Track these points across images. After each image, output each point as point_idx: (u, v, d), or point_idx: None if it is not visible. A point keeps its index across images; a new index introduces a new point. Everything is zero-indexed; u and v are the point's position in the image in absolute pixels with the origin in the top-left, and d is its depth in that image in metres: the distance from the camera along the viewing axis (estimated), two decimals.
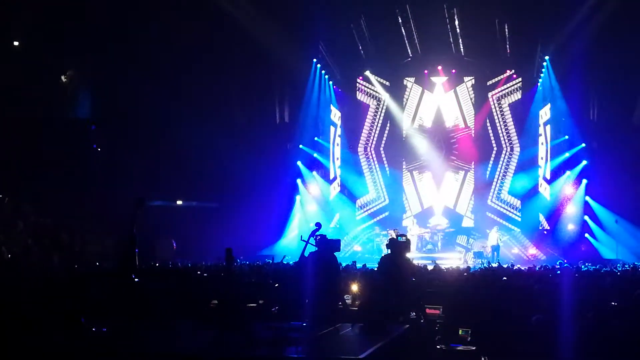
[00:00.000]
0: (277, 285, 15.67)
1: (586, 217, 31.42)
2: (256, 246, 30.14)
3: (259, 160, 31.43)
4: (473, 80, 33.75)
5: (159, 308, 12.97)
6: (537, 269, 21.21)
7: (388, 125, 34.37)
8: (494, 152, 33.52)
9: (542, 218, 32.47)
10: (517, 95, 33.30)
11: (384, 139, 34.36)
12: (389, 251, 14.22)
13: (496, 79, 33.39)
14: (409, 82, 34.19)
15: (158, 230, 27.90)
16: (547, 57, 31.42)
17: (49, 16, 28.89)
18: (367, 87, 34.41)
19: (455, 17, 30.12)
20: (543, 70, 31.96)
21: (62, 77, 31.92)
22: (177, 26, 29.85)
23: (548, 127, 32.64)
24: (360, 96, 34.59)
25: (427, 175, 34.06)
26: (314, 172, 33.96)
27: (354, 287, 14.57)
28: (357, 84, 34.51)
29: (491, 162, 33.52)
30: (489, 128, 33.60)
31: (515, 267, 21.71)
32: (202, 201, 31.55)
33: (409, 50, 32.50)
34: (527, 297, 13.15)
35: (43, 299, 13.34)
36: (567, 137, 32.01)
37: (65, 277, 16.89)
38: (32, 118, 31.42)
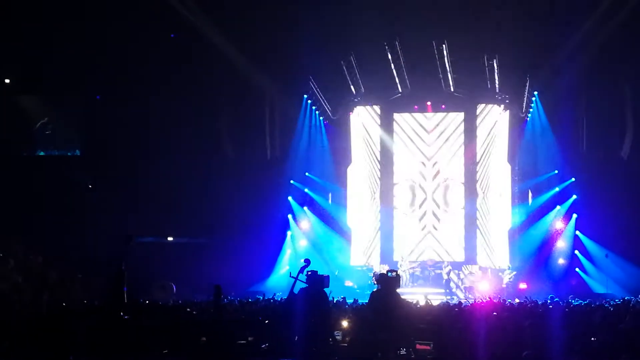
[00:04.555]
0: (267, 321, 15.61)
1: (576, 252, 31.43)
2: (247, 282, 29.95)
3: (250, 196, 31.36)
4: (463, 115, 33.82)
5: (148, 345, 12.90)
6: (527, 304, 21.18)
7: (378, 160, 34.37)
8: (484, 186, 33.53)
9: (531, 252, 32.38)
10: (507, 130, 33.33)
11: (374, 173, 34.35)
12: (379, 286, 14.19)
13: (485, 114, 33.46)
14: (398, 117, 34.25)
15: (148, 267, 27.68)
16: (536, 92, 31.58)
17: (29, 52, 29.09)
18: (357, 123, 34.43)
19: (445, 52, 30.23)
20: (532, 104, 32.09)
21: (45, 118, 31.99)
22: (166, 62, 30.01)
23: (537, 162, 32.73)
24: (350, 132, 34.59)
25: (417, 209, 33.97)
26: (305, 208, 33.89)
27: (344, 323, 14.52)
28: (348, 120, 34.51)
29: (481, 196, 33.51)
30: (479, 162, 33.63)
31: (507, 302, 21.65)
32: (193, 237, 31.41)
33: (399, 86, 32.57)
34: (517, 332, 13.12)
35: (32, 337, 13.26)
36: (556, 171, 32.13)
37: (54, 315, 16.81)
38: (20, 156, 31.52)
